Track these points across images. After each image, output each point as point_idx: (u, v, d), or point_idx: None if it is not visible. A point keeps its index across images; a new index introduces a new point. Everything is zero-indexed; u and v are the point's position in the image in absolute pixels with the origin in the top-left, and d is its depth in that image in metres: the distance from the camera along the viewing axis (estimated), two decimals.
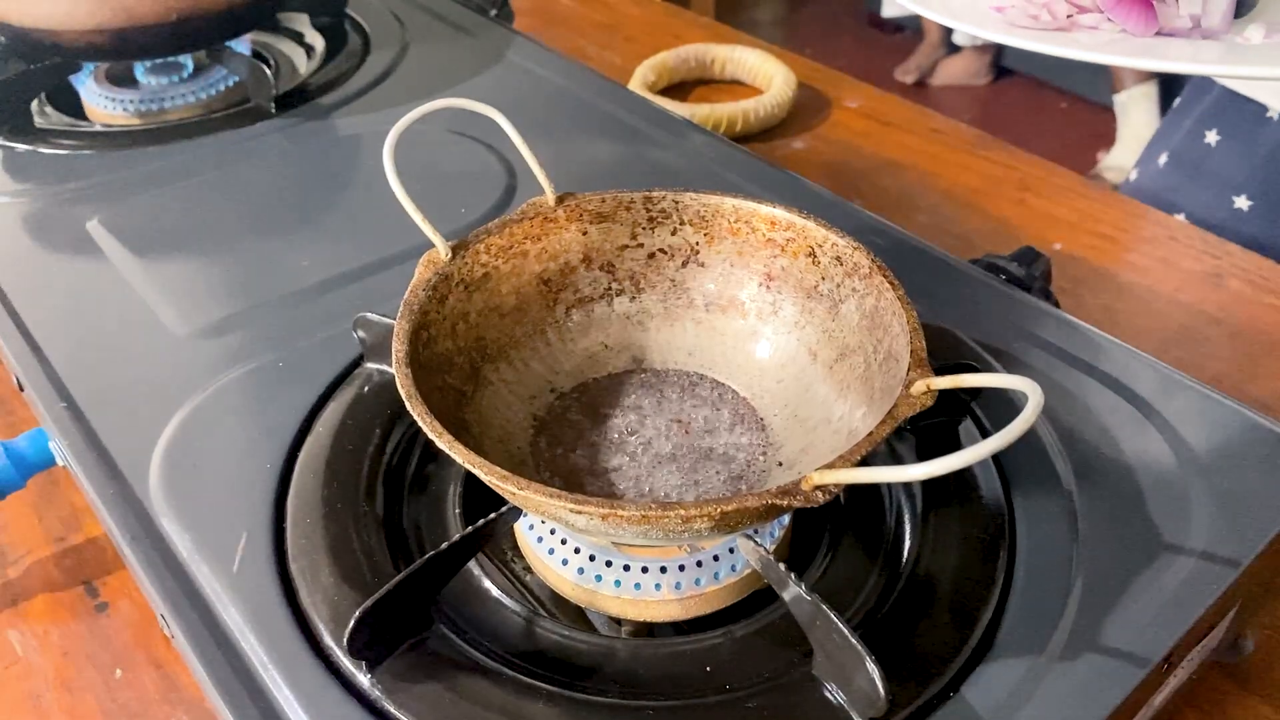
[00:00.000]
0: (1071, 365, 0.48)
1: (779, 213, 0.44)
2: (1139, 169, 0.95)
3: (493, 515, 0.38)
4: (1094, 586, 0.39)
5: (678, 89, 0.93)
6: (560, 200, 0.45)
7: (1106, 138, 2.19)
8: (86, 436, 0.46)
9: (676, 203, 0.46)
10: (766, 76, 0.90)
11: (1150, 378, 0.47)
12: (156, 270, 0.57)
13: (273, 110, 0.72)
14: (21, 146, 0.69)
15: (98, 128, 0.74)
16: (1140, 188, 0.93)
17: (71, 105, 0.77)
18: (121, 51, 0.72)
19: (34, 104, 0.75)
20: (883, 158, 0.82)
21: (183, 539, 0.41)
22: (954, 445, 0.45)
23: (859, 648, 0.33)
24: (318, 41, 0.82)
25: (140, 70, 0.77)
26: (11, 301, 0.55)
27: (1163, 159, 0.91)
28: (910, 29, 2.79)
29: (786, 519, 0.41)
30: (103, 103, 0.75)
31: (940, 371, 0.36)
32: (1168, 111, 0.98)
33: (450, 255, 0.42)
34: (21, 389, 0.51)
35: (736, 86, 0.94)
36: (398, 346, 0.38)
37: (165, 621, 0.39)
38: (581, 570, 0.39)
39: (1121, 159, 2.10)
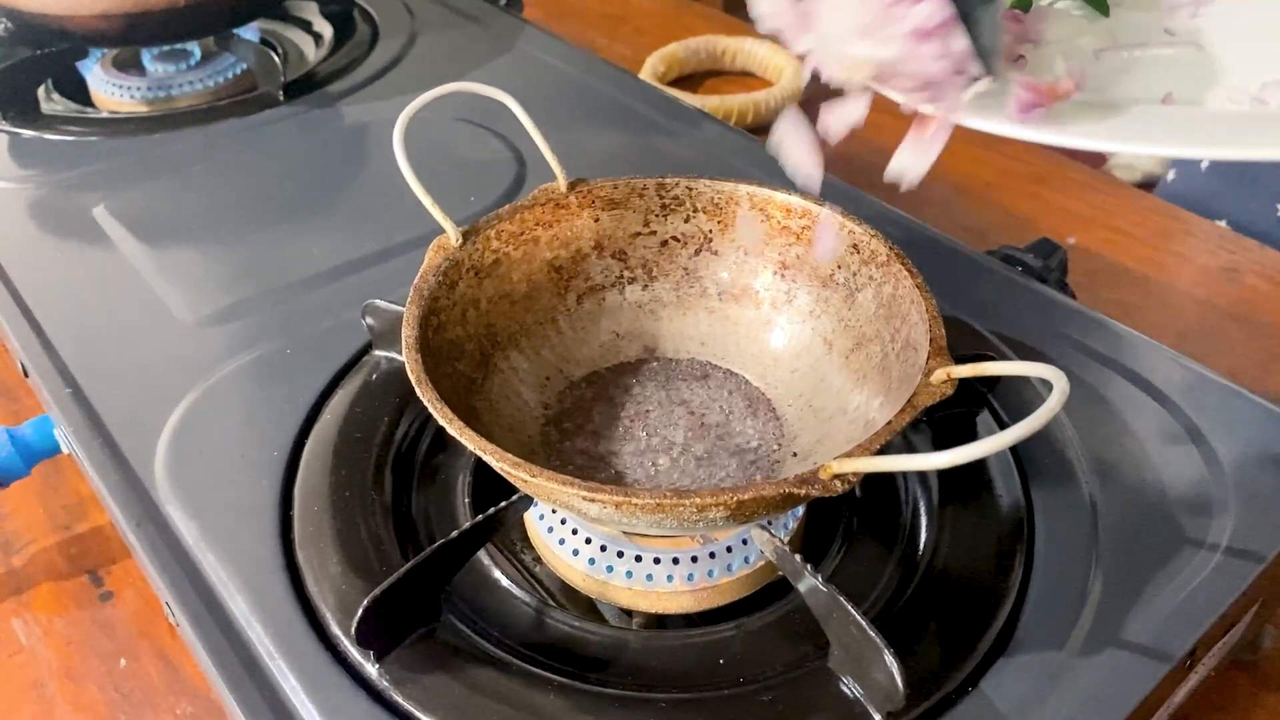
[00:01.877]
0: (1091, 358, 0.47)
1: (794, 200, 0.44)
2: (1177, 171, 0.93)
3: (503, 504, 0.38)
4: (1115, 581, 0.38)
5: (687, 80, 0.92)
6: (572, 186, 0.45)
7: None
8: (91, 423, 0.46)
9: (690, 189, 0.45)
10: (777, 68, 0.90)
11: (1171, 372, 0.47)
12: (163, 257, 0.56)
13: (280, 98, 0.71)
14: (28, 133, 0.69)
15: (104, 114, 0.74)
16: (1180, 193, 0.90)
17: (78, 92, 0.77)
18: (129, 38, 0.71)
19: (40, 90, 0.74)
20: (894, 149, 0.81)
21: (188, 526, 0.41)
22: (970, 437, 0.44)
23: (877, 640, 0.32)
24: (326, 29, 0.82)
25: (148, 57, 0.77)
26: (17, 287, 0.54)
27: (1205, 163, 0.89)
28: None
29: (800, 510, 0.41)
30: (110, 89, 0.75)
31: (959, 361, 0.35)
32: None
33: (461, 241, 0.42)
34: (26, 375, 0.50)
35: (747, 78, 0.93)
36: (408, 332, 0.37)
37: (170, 610, 0.39)
38: (592, 561, 0.39)
39: (1131, 156, 2.09)
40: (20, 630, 0.48)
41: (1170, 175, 0.94)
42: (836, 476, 0.31)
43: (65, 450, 0.49)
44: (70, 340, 0.50)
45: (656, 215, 0.45)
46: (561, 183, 0.44)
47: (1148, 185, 0.95)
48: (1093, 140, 0.36)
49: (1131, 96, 0.39)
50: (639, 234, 0.46)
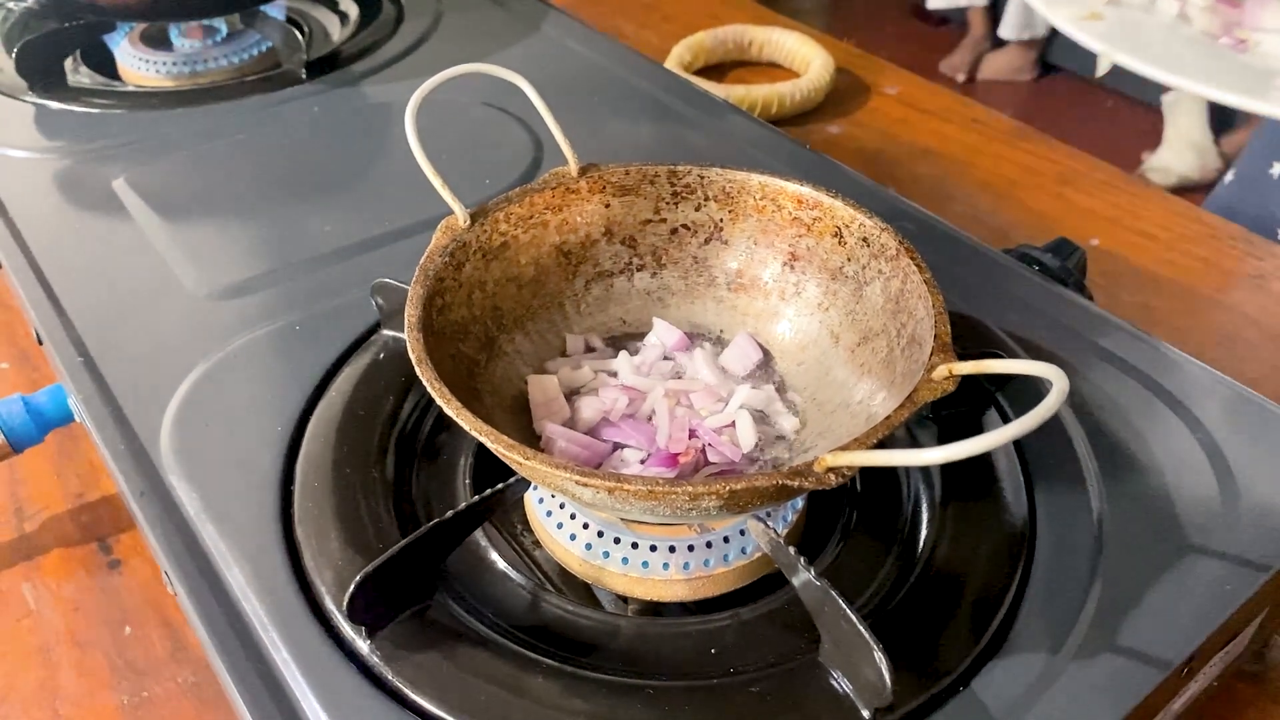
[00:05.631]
0: (1105, 360, 0.47)
1: (806, 191, 0.43)
2: (1238, 173, 0.89)
3: (499, 486, 0.38)
4: (1115, 586, 0.37)
5: (714, 70, 0.92)
6: (583, 171, 0.44)
7: (1152, 137, 2.14)
8: (101, 392, 0.46)
9: (702, 178, 0.45)
10: (804, 60, 0.89)
11: (1185, 376, 0.46)
12: (179, 231, 0.57)
13: (304, 76, 0.72)
14: (54, 104, 0.69)
15: (130, 88, 0.74)
16: (1240, 197, 0.87)
17: (105, 65, 0.78)
18: (156, 12, 0.72)
19: (68, 62, 0.75)
20: (919, 146, 0.81)
21: (190, 497, 0.41)
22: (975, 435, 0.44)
23: (867, 637, 0.32)
24: (351, 9, 0.82)
25: (174, 32, 0.77)
26: (35, 256, 0.55)
27: (1276, 170, 0.84)
28: (955, 21, 2.74)
29: (800, 503, 0.41)
30: (136, 64, 0.75)
31: (965, 358, 0.35)
32: (1223, 114, 0.92)
33: (469, 222, 0.42)
34: (41, 342, 0.51)
35: (773, 69, 0.92)
36: (411, 311, 0.37)
37: (169, 578, 0.39)
38: (589, 546, 0.39)
39: (1167, 160, 2.05)
40: (29, 595, 0.49)
41: (1230, 177, 0.90)
42: (831, 470, 0.31)
43: (78, 419, 0.49)
44: (84, 309, 0.51)
45: (667, 202, 0.45)
46: (573, 167, 0.44)
47: (1181, 190, 0.92)
48: None
49: None
50: (649, 221, 0.45)
